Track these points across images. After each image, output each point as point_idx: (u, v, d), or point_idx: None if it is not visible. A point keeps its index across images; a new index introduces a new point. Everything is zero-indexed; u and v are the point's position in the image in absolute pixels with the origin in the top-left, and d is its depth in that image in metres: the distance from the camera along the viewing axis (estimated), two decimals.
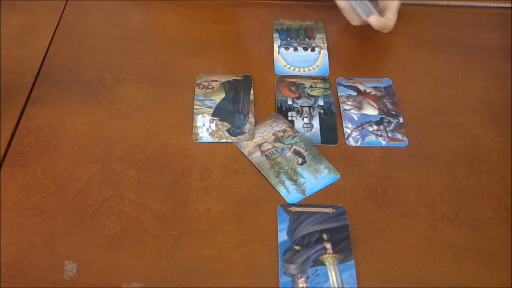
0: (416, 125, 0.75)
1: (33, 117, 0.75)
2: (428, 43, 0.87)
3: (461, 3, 0.93)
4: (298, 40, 0.86)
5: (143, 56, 0.83)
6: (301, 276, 0.60)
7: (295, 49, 0.85)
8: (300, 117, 0.76)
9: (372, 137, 0.73)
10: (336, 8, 0.87)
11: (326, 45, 0.85)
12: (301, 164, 0.70)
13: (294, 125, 0.75)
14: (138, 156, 0.71)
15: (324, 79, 0.81)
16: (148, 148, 0.72)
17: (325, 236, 0.63)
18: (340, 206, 0.66)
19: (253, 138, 0.73)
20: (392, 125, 0.75)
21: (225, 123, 0.74)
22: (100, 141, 0.72)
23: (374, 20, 0.80)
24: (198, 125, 0.74)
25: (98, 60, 0.82)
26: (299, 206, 0.66)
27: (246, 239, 0.63)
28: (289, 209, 0.66)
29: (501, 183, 0.69)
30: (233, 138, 0.73)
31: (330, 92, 0.79)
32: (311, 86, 0.80)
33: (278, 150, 0.72)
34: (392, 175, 0.70)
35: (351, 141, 0.73)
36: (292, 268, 0.61)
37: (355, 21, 0.84)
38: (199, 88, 0.79)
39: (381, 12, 0.82)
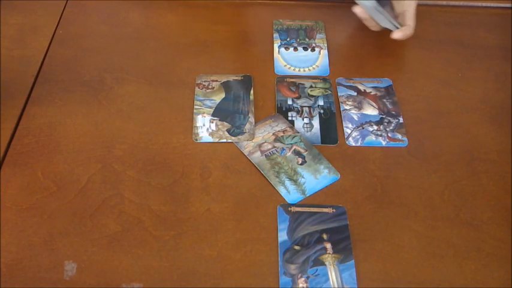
0: (416, 125, 0.75)
1: (33, 117, 0.75)
2: (428, 43, 0.87)
3: (461, 3, 0.93)
4: (298, 40, 0.86)
5: (143, 56, 0.83)
6: (301, 276, 0.60)
7: (295, 49, 0.85)
8: (300, 117, 0.76)
9: (372, 137, 0.73)
10: (336, 8, 0.87)
11: (326, 45, 0.85)
12: (301, 164, 0.70)
13: (294, 125, 0.75)
14: (138, 156, 0.71)
15: (324, 79, 0.81)
16: (148, 148, 0.72)
17: (325, 236, 0.63)
18: (340, 206, 0.66)
19: (253, 138, 0.73)
20: (393, 125, 0.75)
21: (225, 123, 0.74)
22: (100, 141, 0.72)
23: (397, 36, 0.81)
24: (198, 125, 0.74)
25: (98, 60, 0.82)
26: (299, 206, 0.66)
27: (246, 239, 0.63)
28: (289, 209, 0.66)
29: (501, 183, 0.69)
30: (233, 138, 0.73)
31: (330, 92, 0.79)
32: (311, 86, 0.80)
33: (278, 150, 0.72)
34: (392, 175, 0.70)
35: (351, 141, 0.73)
36: (292, 268, 0.61)
37: (375, 28, 0.84)
38: (199, 88, 0.79)
39: (399, 16, 0.82)
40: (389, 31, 0.82)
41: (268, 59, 0.84)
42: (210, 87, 0.79)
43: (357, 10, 0.83)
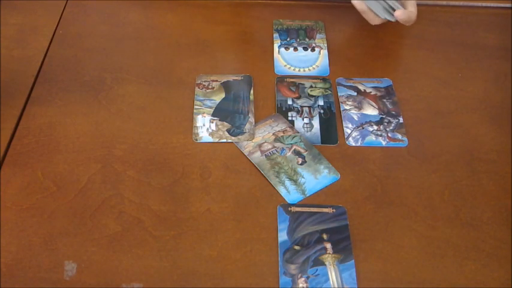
0: (416, 125, 0.75)
1: (33, 117, 0.75)
2: (428, 43, 0.87)
3: (461, 3, 0.93)
4: (298, 40, 0.86)
5: (143, 56, 0.83)
6: (301, 276, 0.60)
7: (295, 49, 0.85)
8: (300, 117, 0.76)
9: (372, 137, 0.73)
10: (336, 8, 0.87)
11: (326, 45, 0.85)
12: (301, 164, 0.70)
13: (294, 125, 0.75)
14: (138, 156, 0.71)
15: (324, 79, 0.81)
16: (148, 148, 0.72)
17: (325, 236, 0.63)
18: (340, 206, 0.66)
19: (253, 138, 0.73)
20: (393, 125, 0.75)
21: (225, 123, 0.74)
22: (100, 141, 0.72)
23: (400, 13, 0.80)
24: (198, 125, 0.74)
25: (98, 60, 0.82)
26: (299, 206, 0.66)
27: (246, 239, 0.63)
28: (289, 209, 0.66)
29: (501, 183, 0.69)
30: (233, 138, 0.73)
31: (330, 92, 0.79)
32: (311, 86, 0.80)
33: (278, 150, 0.72)
34: (392, 175, 0.70)
35: (351, 141, 0.73)
36: (292, 268, 0.61)
37: (375, 22, 0.83)
38: (199, 88, 0.79)
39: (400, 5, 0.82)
40: (389, 28, 0.82)
41: (268, 59, 0.84)
42: (210, 87, 0.79)
43: (355, 1, 0.82)
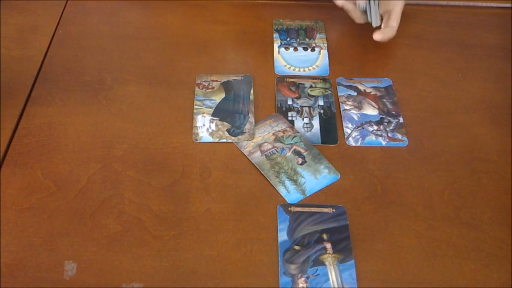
0: (416, 125, 0.75)
1: (33, 117, 0.75)
2: (428, 43, 0.87)
3: (461, 3, 0.93)
4: (298, 40, 0.86)
5: (143, 56, 0.83)
6: (301, 276, 0.60)
7: (295, 49, 0.85)
8: (300, 117, 0.76)
9: (372, 137, 0.73)
10: (336, 8, 0.87)
11: (326, 45, 0.85)
12: (301, 164, 0.70)
13: (294, 125, 0.75)
14: (138, 156, 0.71)
15: (324, 79, 0.81)
16: (148, 148, 0.72)
17: (325, 236, 0.63)
18: (340, 206, 0.66)
19: (253, 138, 0.73)
20: (393, 125, 0.75)
21: (225, 123, 0.74)
22: (100, 141, 0.72)
23: (379, 38, 0.82)
24: (198, 125, 0.74)
25: (98, 60, 0.82)
26: (299, 206, 0.66)
27: (246, 239, 0.63)
28: (289, 209, 0.66)
29: (501, 183, 0.69)
30: (233, 138, 0.73)
31: (330, 92, 0.79)
32: (311, 86, 0.80)
33: (278, 150, 0.72)
34: (392, 175, 0.70)
35: (351, 141, 0.73)
36: (292, 268, 0.61)
37: (359, 20, 0.85)
38: (199, 88, 0.79)
39: (384, 15, 0.83)
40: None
41: (268, 59, 0.84)
42: (210, 87, 0.79)
43: (339, 2, 0.84)
